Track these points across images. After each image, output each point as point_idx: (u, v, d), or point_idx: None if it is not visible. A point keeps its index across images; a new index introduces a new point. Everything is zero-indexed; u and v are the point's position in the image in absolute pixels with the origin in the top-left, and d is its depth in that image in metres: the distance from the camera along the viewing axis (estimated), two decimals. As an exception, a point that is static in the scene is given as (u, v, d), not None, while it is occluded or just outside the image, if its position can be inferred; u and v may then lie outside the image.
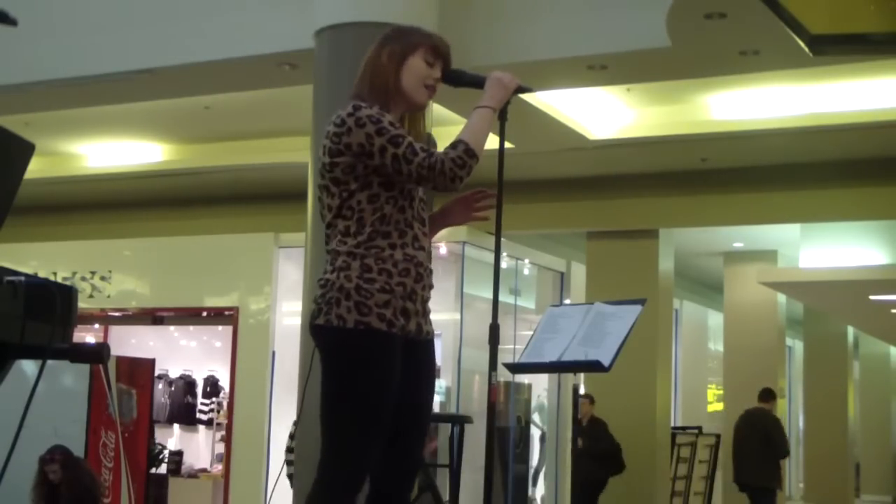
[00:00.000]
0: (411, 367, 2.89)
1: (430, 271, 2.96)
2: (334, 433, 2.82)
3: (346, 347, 2.81)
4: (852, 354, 16.92)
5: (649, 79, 7.90)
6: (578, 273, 12.32)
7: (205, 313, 12.12)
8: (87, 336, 12.39)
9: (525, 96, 3.17)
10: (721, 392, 15.66)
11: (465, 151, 2.81)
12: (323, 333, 2.84)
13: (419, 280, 2.89)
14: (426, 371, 2.98)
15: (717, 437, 13.45)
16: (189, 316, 12.53)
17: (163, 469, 11.30)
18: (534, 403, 13.37)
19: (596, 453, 10.04)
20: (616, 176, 10.46)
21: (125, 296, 12.09)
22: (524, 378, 12.47)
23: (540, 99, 7.98)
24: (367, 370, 2.81)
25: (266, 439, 11.09)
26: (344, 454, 2.80)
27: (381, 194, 2.85)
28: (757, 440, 10.24)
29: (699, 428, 13.64)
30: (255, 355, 11.17)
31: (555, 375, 12.35)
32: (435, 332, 3.05)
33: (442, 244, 10.34)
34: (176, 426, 12.40)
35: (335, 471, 2.81)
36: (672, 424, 12.30)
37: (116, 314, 12.30)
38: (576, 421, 10.05)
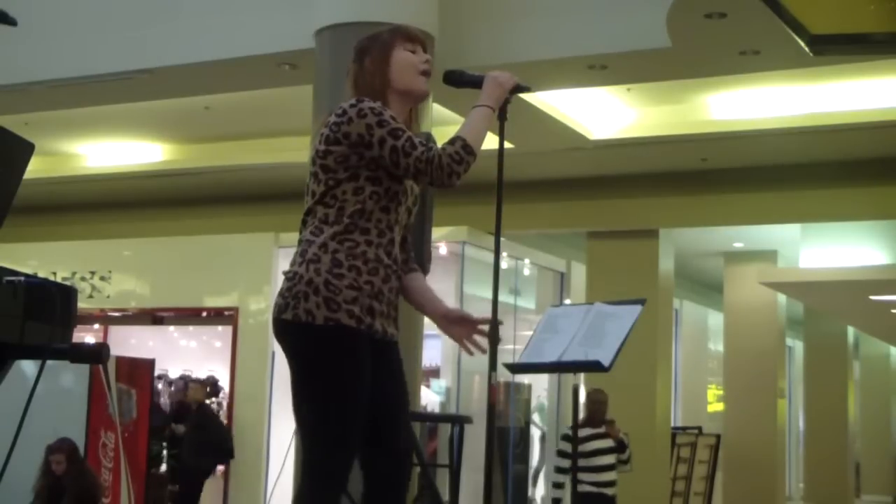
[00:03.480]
0: (383, 367, 2.88)
1: (399, 275, 2.95)
2: (313, 431, 2.80)
3: (316, 344, 2.78)
4: (852, 354, 16.91)
5: (649, 79, 7.90)
6: (578, 273, 12.32)
7: (205, 313, 12.11)
8: (87, 336, 12.38)
9: (525, 96, 3.17)
10: (721, 392, 15.66)
11: (462, 147, 2.80)
12: (291, 330, 2.80)
13: (387, 281, 2.88)
14: (393, 372, 2.95)
15: (717, 437, 13.44)
16: (189, 316, 12.52)
17: (163, 469, 11.29)
18: (534, 403, 13.37)
19: (201, 441, 10.28)
20: (616, 176, 10.46)
21: (125, 296, 12.09)
22: (524, 378, 12.47)
23: (540, 99, 7.98)
24: (339, 365, 2.79)
25: (266, 439, 11.08)
26: (325, 451, 2.79)
27: (365, 188, 2.84)
28: None
29: (699, 428, 13.63)
30: (255, 355, 11.16)
31: (555, 375, 12.33)
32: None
33: (442, 244, 10.35)
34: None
35: (319, 469, 2.79)
36: (672, 424, 12.30)
37: (116, 314, 12.30)
38: (180, 408, 10.43)
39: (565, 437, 7.77)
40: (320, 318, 2.75)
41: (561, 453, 7.79)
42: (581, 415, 7.50)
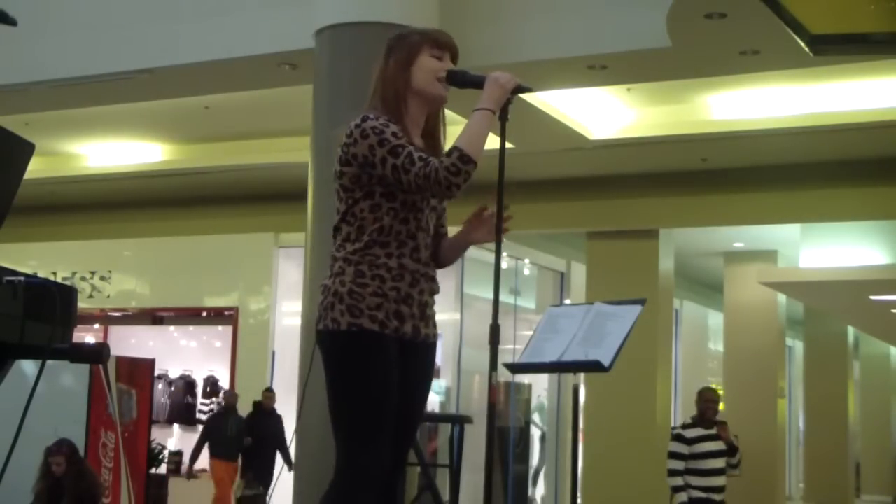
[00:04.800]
0: (404, 370, 2.92)
1: (432, 277, 3.00)
2: (345, 435, 2.87)
3: (341, 349, 2.86)
4: (852, 354, 16.91)
5: (649, 79, 7.90)
6: (578, 273, 12.33)
7: (205, 313, 12.13)
8: (87, 336, 12.40)
9: (525, 96, 3.16)
10: (721, 392, 15.65)
11: (459, 158, 2.81)
12: (322, 337, 2.91)
13: (415, 285, 2.93)
14: (421, 375, 3.00)
15: (717, 437, 13.44)
16: (189, 316, 12.54)
17: (163, 469, 11.30)
18: (534, 403, 13.38)
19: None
20: (616, 176, 10.46)
21: (125, 296, 12.11)
22: (524, 378, 12.49)
23: (540, 99, 7.98)
24: (363, 369, 2.86)
25: (266, 439, 11.07)
26: (355, 450, 2.84)
27: (382, 204, 2.90)
28: None
29: (699, 428, 13.63)
30: (255, 355, 11.18)
31: (555, 375, 12.35)
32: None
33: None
34: (176, 426, 12.40)
35: (351, 469, 2.85)
36: (672, 424, 12.30)
37: (116, 314, 12.32)
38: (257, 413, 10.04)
39: (677, 438, 7.38)
40: (344, 324, 2.84)
41: (673, 454, 7.31)
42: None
